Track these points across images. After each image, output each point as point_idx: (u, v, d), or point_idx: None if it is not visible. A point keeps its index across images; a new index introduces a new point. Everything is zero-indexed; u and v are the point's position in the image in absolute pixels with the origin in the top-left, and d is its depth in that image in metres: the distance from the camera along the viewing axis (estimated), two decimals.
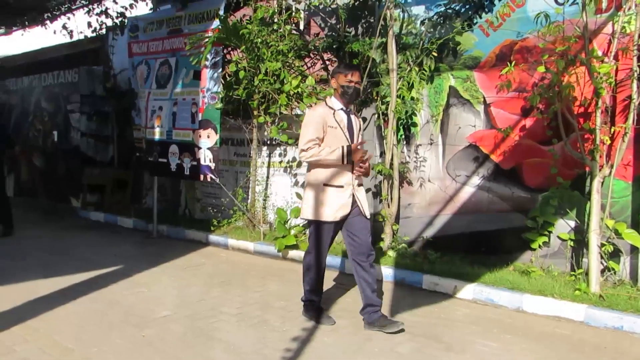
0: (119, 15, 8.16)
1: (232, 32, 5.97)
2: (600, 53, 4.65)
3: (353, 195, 3.85)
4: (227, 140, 7.63)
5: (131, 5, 7.98)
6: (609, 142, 4.56)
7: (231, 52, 7.00)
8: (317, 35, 6.62)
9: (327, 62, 6.65)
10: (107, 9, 8.19)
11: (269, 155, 7.19)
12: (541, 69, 4.54)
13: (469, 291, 4.69)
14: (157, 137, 7.08)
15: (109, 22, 8.58)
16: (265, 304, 4.48)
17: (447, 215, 5.74)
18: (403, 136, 5.98)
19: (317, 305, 4.08)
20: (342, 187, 3.81)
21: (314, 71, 6.81)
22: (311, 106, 6.06)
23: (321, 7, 6.25)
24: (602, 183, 4.56)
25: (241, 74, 5.94)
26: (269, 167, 7.20)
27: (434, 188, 5.82)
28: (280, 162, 7.09)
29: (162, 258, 6.04)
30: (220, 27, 6.08)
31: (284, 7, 6.06)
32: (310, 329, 3.90)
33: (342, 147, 3.74)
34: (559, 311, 4.25)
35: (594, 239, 4.46)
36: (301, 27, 6.92)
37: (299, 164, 6.87)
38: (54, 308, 4.22)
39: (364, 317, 3.92)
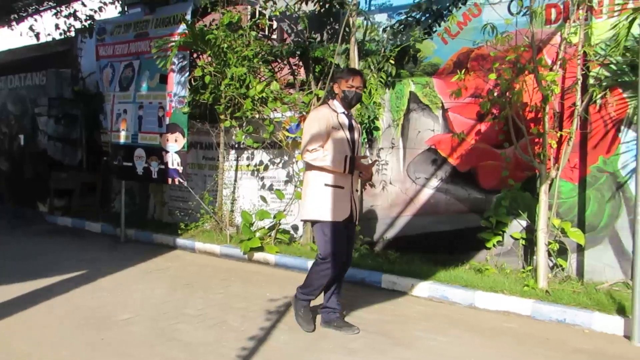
0: (87, 17, 8.17)
1: (199, 37, 6.07)
2: (549, 62, 4.90)
3: (351, 200, 3.84)
4: (196, 144, 7.70)
5: (100, 9, 7.99)
6: (556, 146, 4.78)
7: (200, 57, 7.08)
8: (284, 41, 6.75)
9: (294, 67, 6.78)
10: (75, 11, 8.18)
11: (237, 159, 7.29)
12: (492, 76, 4.75)
13: (424, 289, 4.87)
14: (122, 140, 7.12)
15: (78, 25, 8.56)
16: (227, 305, 4.58)
17: (407, 217, 5.92)
18: (366, 140, 6.15)
19: (305, 303, 4.01)
20: (342, 188, 3.79)
21: (282, 76, 6.93)
22: (276, 110, 6.21)
23: (288, 13, 6.39)
24: (550, 185, 4.80)
25: (207, 78, 6.04)
26: (236, 170, 7.31)
27: (396, 190, 6.00)
28: (248, 165, 7.20)
29: (128, 262, 6.08)
30: (186, 31, 6.17)
31: (249, 13, 6.17)
32: (268, 328, 4.02)
33: (346, 158, 3.74)
34: (508, 306, 4.45)
35: (542, 237, 4.69)
36: (269, 33, 7.05)
37: (266, 168, 6.99)
38: (14, 314, 4.23)
39: (322, 316, 4.04)
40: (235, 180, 7.30)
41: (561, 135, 4.84)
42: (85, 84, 9.15)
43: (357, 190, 3.96)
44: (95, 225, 8.12)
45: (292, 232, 6.68)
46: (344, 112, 3.89)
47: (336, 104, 3.92)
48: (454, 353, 3.62)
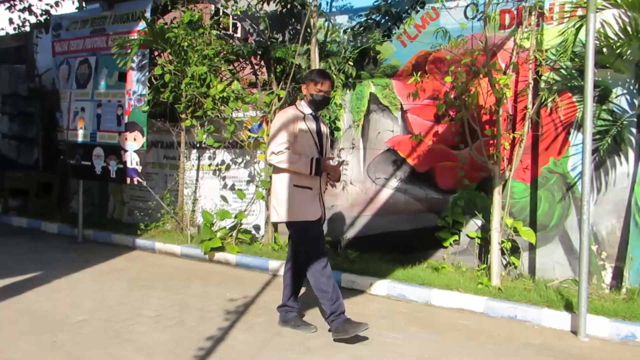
0: (43, 12, 7.96)
1: (159, 35, 6.00)
2: (503, 66, 5.04)
3: (320, 200, 3.85)
4: (157, 143, 7.62)
5: (57, 3, 7.80)
6: (508, 147, 4.93)
7: (162, 55, 7.00)
8: (247, 40, 6.74)
9: (256, 67, 6.77)
10: (30, 5, 7.96)
11: (199, 158, 7.24)
12: (448, 79, 4.87)
13: (383, 287, 4.95)
14: (80, 139, 6.98)
15: (33, 20, 8.33)
16: (185, 305, 4.55)
17: (367, 216, 6.00)
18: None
19: (343, 317, 3.75)
20: (310, 189, 3.78)
21: (244, 75, 6.91)
22: (238, 110, 6.19)
23: (250, 13, 6.38)
24: (504, 185, 4.95)
25: (167, 77, 5.99)
26: (198, 170, 7.25)
27: (356, 190, 6.07)
28: (210, 165, 7.16)
29: (86, 263, 5.97)
30: (146, 29, 6.09)
31: (213, 11, 6.14)
32: (226, 328, 4.02)
33: (312, 160, 3.71)
34: (462, 304, 4.57)
35: (495, 236, 4.83)
36: (233, 32, 7.01)
37: (228, 167, 6.97)
38: None
39: (279, 315, 4.06)
40: (197, 180, 7.25)
41: (514, 137, 4.99)
42: (41, 81, 8.91)
43: (323, 191, 3.95)
44: (52, 226, 7.93)
45: (254, 231, 6.67)
46: (311, 114, 3.88)
47: (304, 104, 3.90)
48: (409, 349, 3.70)
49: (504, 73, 4.91)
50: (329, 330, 3.81)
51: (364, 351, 3.66)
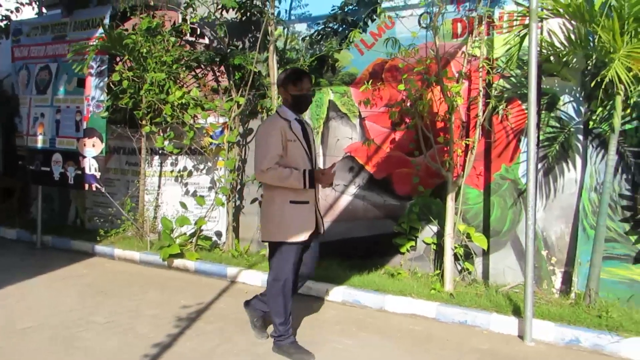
0: (3, 18, 7.85)
1: (117, 41, 5.97)
2: (456, 74, 5.13)
3: (316, 212, 3.68)
4: (119, 149, 7.55)
5: (17, 9, 7.70)
6: (461, 154, 5.02)
7: (125, 62, 6.94)
8: (208, 47, 6.73)
9: (218, 74, 6.76)
10: None
11: (161, 165, 7.19)
12: (401, 87, 4.94)
13: (338, 294, 4.97)
14: (39, 145, 6.89)
15: None
16: (138, 312, 4.52)
17: (327, 223, 5.99)
18: None
19: (291, 337, 3.69)
20: (307, 202, 3.59)
21: (208, 81, 6.88)
22: (196, 117, 6.17)
23: (209, 20, 6.38)
24: (458, 191, 5.03)
25: (125, 83, 5.95)
26: (160, 176, 7.20)
27: None
28: (172, 171, 7.11)
29: (42, 269, 5.88)
30: (104, 35, 6.05)
31: (180, 18, 6.13)
32: (176, 334, 4.01)
33: (304, 173, 3.49)
34: (415, 309, 4.62)
35: (448, 242, 4.90)
36: (195, 39, 7.00)
37: (190, 174, 6.94)
38: None
39: (251, 302, 3.97)
40: (159, 187, 7.20)
41: (467, 144, 5.07)
42: (2, 86, 8.76)
43: (318, 200, 3.77)
44: (10, 232, 7.79)
45: (215, 238, 6.65)
46: (296, 119, 3.65)
47: (285, 110, 3.65)
48: (358, 355, 3.74)
49: (457, 81, 5.02)
50: (275, 344, 3.71)
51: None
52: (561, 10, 4.17)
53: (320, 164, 6.06)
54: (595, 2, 3.83)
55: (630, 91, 4.14)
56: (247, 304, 3.99)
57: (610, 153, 4.29)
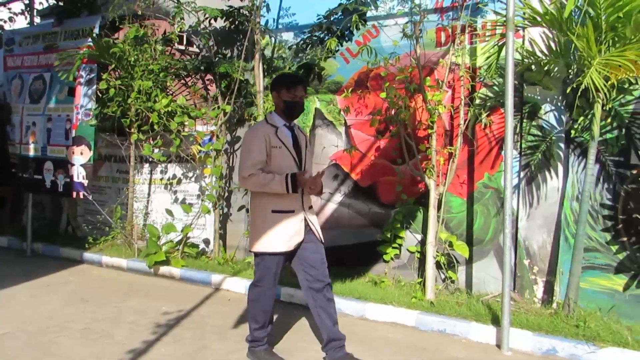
0: None
1: (105, 49, 6.02)
2: (440, 82, 5.15)
3: (305, 220, 3.54)
4: (110, 157, 7.59)
5: (10, 19, 7.80)
6: (443, 162, 5.02)
7: (116, 70, 7.00)
8: (198, 56, 6.77)
9: (207, 82, 6.80)
10: None
11: (151, 173, 7.22)
12: (383, 95, 4.96)
13: None
14: (32, 153, 6.95)
15: None
16: (117, 319, 4.52)
17: None
18: None
19: (265, 345, 3.67)
20: (292, 212, 3.47)
21: (199, 88, 6.92)
22: (183, 125, 6.21)
23: (199, 29, 6.44)
24: (441, 199, 5.03)
25: (111, 91, 6.00)
26: (150, 184, 7.23)
27: None
28: (161, 179, 7.14)
29: (29, 276, 5.90)
30: (93, 44, 6.11)
31: (174, 26, 6.19)
32: (152, 341, 4.01)
33: (287, 177, 3.37)
34: (395, 318, 4.60)
35: (430, 250, 4.89)
36: (186, 47, 7.05)
37: (179, 181, 6.96)
38: None
39: (327, 353, 3.64)
40: (149, 194, 7.22)
41: (450, 153, 5.08)
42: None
43: (310, 207, 3.64)
44: (1, 239, 7.82)
45: (203, 245, 6.66)
46: (285, 125, 3.55)
47: (275, 116, 3.56)
48: None
49: (438, 89, 5.03)
50: (249, 350, 3.68)
51: None
52: (539, 19, 4.19)
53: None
54: (570, 11, 3.82)
55: (608, 100, 4.15)
56: (326, 349, 3.69)
57: (589, 162, 4.28)
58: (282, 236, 3.44)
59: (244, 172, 3.41)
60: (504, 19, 4.17)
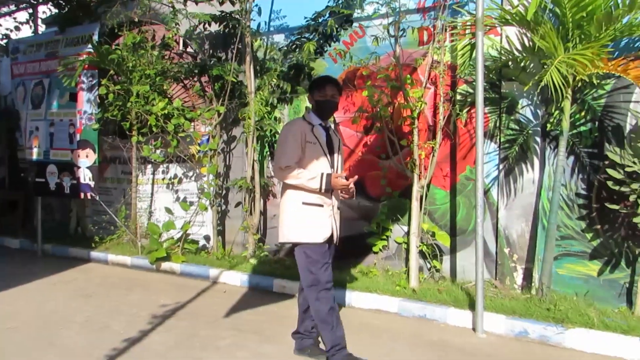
0: (4, 37, 8.29)
1: (105, 56, 6.31)
2: (423, 80, 5.35)
3: (332, 217, 3.60)
4: (115, 159, 7.90)
5: (17, 28, 8.14)
6: (424, 156, 5.23)
7: (112, 76, 7.27)
8: (196, 59, 7.04)
9: (205, 84, 7.07)
10: None
11: (153, 173, 7.52)
12: (365, 93, 5.18)
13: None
14: (34, 157, 7.28)
15: None
16: (117, 312, 4.80)
17: None
18: (268, 152, 6.50)
19: (344, 349, 3.54)
20: (321, 206, 3.54)
21: (195, 92, 7.19)
22: (180, 127, 6.47)
23: (196, 33, 6.72)
24: (427, 192, 5.25)
25: (111, 96, 6.30)
26: (153, 184, 7.53)
27: None
28: (163, 179, 7.43)
29: (38, 275, 6.21)
30: (93, 51, 6.41)
31: (153, 32, 6.46)
32: (147, 330, 4.28)
33: (322, 176, 3.46)
34: (379, 305, 4.84)
35: (413, 240, 5.11)
36: (184, 50, 7.32)
37: (180, 181, 7.25)
38: None
39: (295, 342, 3.84)
40: (152, 194, 7.52)
41: (432, 147, 5.28)
42: (7, 102, 9.20)
43: (338, 208, 3.71)
44: (14, 242, 8.18)
45: (204, 241, 6.93)
46: (320, 124, 3.64)
47: (311, 115, 3.66)
48: None
49: (425, 87, 5.24)
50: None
51: (268, 349, 3.93)
52: (509, 18, 4.37)
53: None
54: (533, 11, 4.00)
55: (580, 94, 4.33)
56: (295, 349, 3.83)
57: (560, 154, 4.46)
58: (316, 227, 3.50)
59: (280, 163, 3.47)
60: (473, 19, 4.36)
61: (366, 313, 4.79)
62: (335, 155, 3.67)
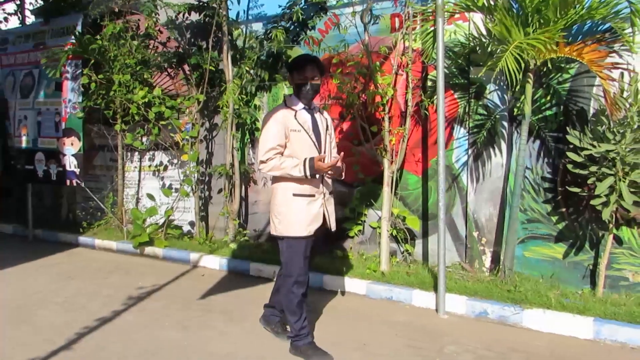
0: None
1: (87, 46, 6.43)
2: (396, 67, 5.43)
3: (324, 206, 3.55)
4: (103, 147, 8.02)
5: (5, 19, 8.29)
6: (394, 142, 5.32)
7: (93, 65, 7.34)
8: (178, 48, 7.13)
9: (188, 72, 7.17)
10: None
11: (140, 160, 7.66)
12: (335, 80, 5.27)
13: None
14: (24, 145, 7.45)
15: None
16: (95, 293, 4.97)
17: None
18: (249, 140, 6.62)
19: (308, 338, 3.55)
20: (313, 196, 3.47)
21: (177, 81, 7.30)
22: (161, 114, 6.58)
23: (177, 22, 6.81)
24: (400, 177, 5.36)
25: (92, 85, 6.43)
26: (140, 171, 7.67)
27: None
28: (150, 166, 7.57)
29: (26, 259, 6.39)
30: (76, 42, 6.53)
31: (139, 23, 6.56)
32: (120, 311, 4.45)
33: (305, 161, 3.34)
34: (349, 287, 4.97)
35: (384, 225, 5.22)
36: (167, 41, 7.41)
37: (165, 168, 7.38)
38: None
39: (264, 312, 3.93)
40: (140, 181, 7.67)
41: (402, 133, 5.37)
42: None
43: (331, 193, 3.66)
44: (7, 227, 8.38)
45: (189, 227, 7.08)
46: (304, 108, 3.50)
47: (293, 99, 3.51)
48: None
49: (398, 73, 5.32)
50: (292, 345, 3.60)
51: (233, 328, 4.07)
52: (469, 4, 4.44)
53: None
54: None
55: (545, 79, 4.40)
56: (262, 319, 3.95)
57: (522, 138, 4.55)
58: (303, 220, 3.43)
59: (261, 156, 3.37)
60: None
61: (336, 296, 4.92)
62: (323, 139, 3.54)
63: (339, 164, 3.43)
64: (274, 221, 3.52)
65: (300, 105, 3.48)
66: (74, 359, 3.52)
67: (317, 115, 3.56)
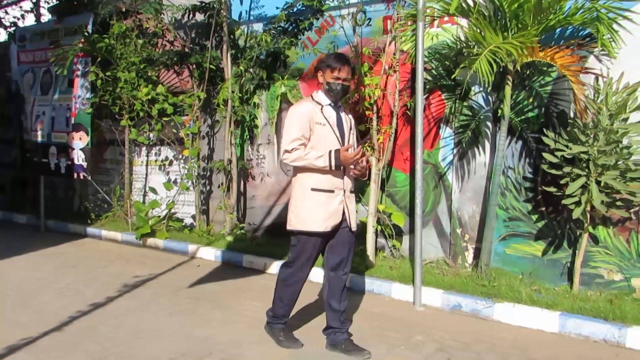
0: (11, 24, 8.81)
1: (95, 45, 6.74)
2: (387, 67, 5.59)
3: (343, 202, 3.48)
4: (113, 142, 8.34)
5: (22, 16, 8.66)
6: (381, 140, 5.48)
7: (100, 63, 7.61)
8: (184, 48, 7.39)
9: (192, 71, 7.43)
10: (1, 18, 8.83)
11: (147, 155, 7.96)
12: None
13: (274, 267, 5.55)
14: (39, 139, 7.83)
15: (2, 31, 9.19)
16: (94, 280, 5.26)
17: (281, 205, 6.61)
18: (248, 136, 6.85)
19: (284, 324, 3.68)
20: (332, 192, 3.42)
21: (182, 78, 7.56)
22: (164, 110, 6.85)
23: (183, 22, 7.08)
24: (388, 175, 5.54)
25: (98, 82, 6.74)
26: (147, 165, 7.97)
27: (272, 182, 6.70)
28: (156, 160, 7.87)
29: (35, 248, 6.72)
30: (85, 40, 6.85)
31: (137, 23, 6.84)
32: (114, 297, 4.72)
33: (330, 152, 3.32)
34: None
35: (370, 220, 5.40)
36: (174, 39, 7.69)
37: (171, 163, 7.67)
38: None
39: (327, 338, 3.65)
40: (147, 175, 7.97)
41: (395, 132, 5.53)
42: (18, 87, 9.73)
43: (352, 191, 3.58)
44: (22, 217, 8.79)
45: (192, 220, 7.35)
46: (330, 104, 3.50)
47: (321, 95, 3.52)
48: (254, 313, 4.28)
49: (388, 74, 5.49)
50: (267, 324, 3.74)
51: (217, 314, 4.31)
52: (450, 9, 4.58)
53: (275, 153, 6.65)
54: (457, 4, 4.22)
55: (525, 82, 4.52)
56: (328, 345, 3.65)
57: (501, 138, 4.69)
58: (319, 216, 3.38)
59: (286, 146, 3.35)
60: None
61: (316, 287, 5.10)
62: (347, 136, 3.54)
63: (364, 163, 3.46)
64: (290, 215, 3.50)
65: (327, 101, 3.50)
66: (64, 338, 3.79)
67: (342, 114, 3.59)
